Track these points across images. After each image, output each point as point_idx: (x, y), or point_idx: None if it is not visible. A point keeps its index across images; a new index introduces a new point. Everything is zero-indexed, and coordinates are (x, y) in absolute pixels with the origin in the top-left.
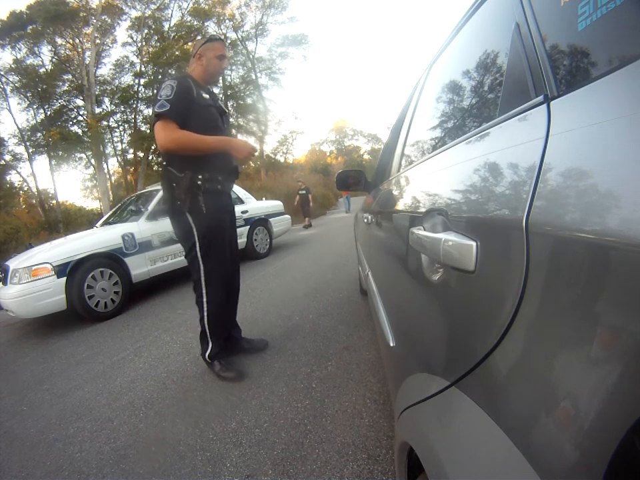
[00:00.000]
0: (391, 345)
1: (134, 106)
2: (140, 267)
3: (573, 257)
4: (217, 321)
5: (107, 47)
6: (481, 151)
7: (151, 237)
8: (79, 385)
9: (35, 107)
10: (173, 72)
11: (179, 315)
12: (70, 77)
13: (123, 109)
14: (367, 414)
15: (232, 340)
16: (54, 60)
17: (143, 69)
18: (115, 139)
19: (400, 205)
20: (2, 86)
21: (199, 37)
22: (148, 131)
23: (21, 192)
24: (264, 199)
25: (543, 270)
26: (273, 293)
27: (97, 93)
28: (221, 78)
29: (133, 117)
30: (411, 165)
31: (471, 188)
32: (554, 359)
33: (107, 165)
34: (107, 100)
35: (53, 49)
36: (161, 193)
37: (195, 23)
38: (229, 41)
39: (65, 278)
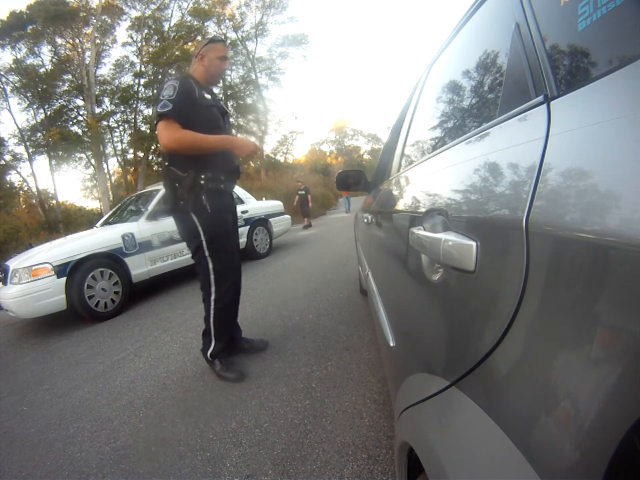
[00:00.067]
0: (391, 344)
1: (134, 106)
2: (140, 267)
3: (572, 257)
4: (222, 320)
5: (107, 47)
6: (481, 150)
7: (150, 237)
8: (78, 385)
9: (35, 107)
10: (173, 72)
11: (179, 315)
12: (70, 76)
13: (123, 109)
14: (366, 414)
15: (232, 340)
16: (54, 60)
17: (143, 69)
18: (115, 139)
19: (400, 205)
20: (2, 86)
21: (198, 37)
22: (148, 131)
23: (21, 192)
24: (264, 198)
25: (543, 270)
26: (273, 293)
27: (97, 93)
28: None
29: (133, 116)
30: (410, 165)
31: (471, 188)
32: (554, 359)
33: (107, 165)
34: (107, 100)
35: (53, 49)
36: (161, 193)
37: (195, 23)
38: (229, 41)
39: (64, 278)
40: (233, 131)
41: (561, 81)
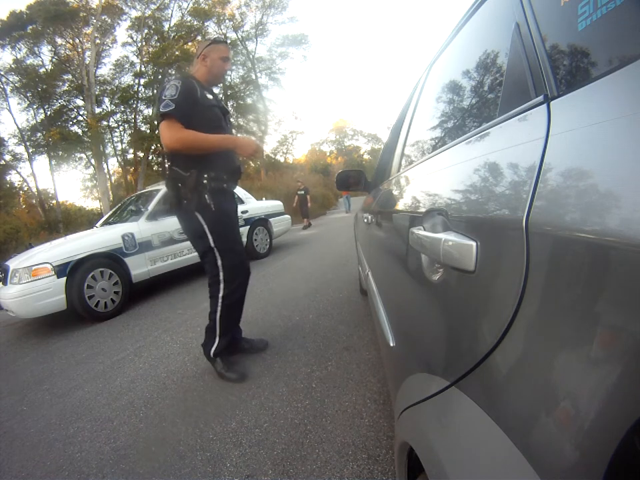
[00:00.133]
0: (391, 344)
1: (134, 106)
2: (140, 267)
3: (572, 257)
4: (229, 318)
5: (107, 47)
6: (481, 150)
7: (150, 237)
8: (78, 385)
9: (35, 107)
10: (173, 72)
11: (179, 315)
12: (70, 76)
13: (123, 109)
14: (367, 414)
15: (232, 340)
16: (54, 60)
17: (143, 69)
18: (115, 139)
19: (400, 205)
20: (2, 86)
21: (198, 37)
22: (148, 131)
23: (21, 192)
24: (264, 198)
25: (543, 270)
26: (273, 293)
27: (97, 93)
28: (223, 79)
29: (133, 116)
30: (411, 165)
31: (471, 188)
32: (554, 359)
33: (107, 165)
34: (107, 100)
35: (53, 49)
36: (161, 193)
37: (195, 23)
38: (229, 41)
39: (64, 278)
40: (233, 131)
41: (561, 81)
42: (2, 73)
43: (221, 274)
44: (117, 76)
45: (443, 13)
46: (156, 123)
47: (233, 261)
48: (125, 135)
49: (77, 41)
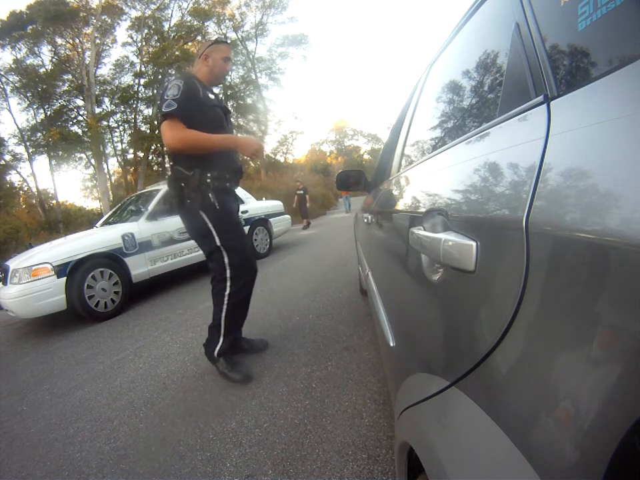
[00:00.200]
0: (391, 345)
1: (134, 106)
2: (140, 267)
3: (572, 257)
4: (234, 317)
5: (107, 47)
6: (481, 150)
7: (150, 237)
8: (78, 385)
9: (35, 107)
10: (173, 72)
11: (179, 315)
12: (70, 76)
13: (123, 109)
14: (367, 414)
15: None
16: (54, 60)
17: (143, 69)
18: (115, 139)
19: (400, 205)
20: (2, 86)
21: (198, 37)
22: (148, 131)
23: (21, 192)
24: (264, 198)
25: (543, 270)
26: (273, 293)
27: (97, 93)
28: (224, 79)
29: (133, 116)
30: (411, 165)
31: (471, 188)
32: (554, 359)
33: (107, 165)
34: (107, 100)
35: (53, 49)
36: (161, 193)
37: (195, 23)
38: (229, 41)
39: (64, 278)
40: (233, 131)
41: (561, 81)
42: (2, 73)
43: (228, 272)
44: (117, 76)
45: (443, 13)
46: (156, 123)
47: (240, 259)
48: (125, 134)
49: (77, 40)
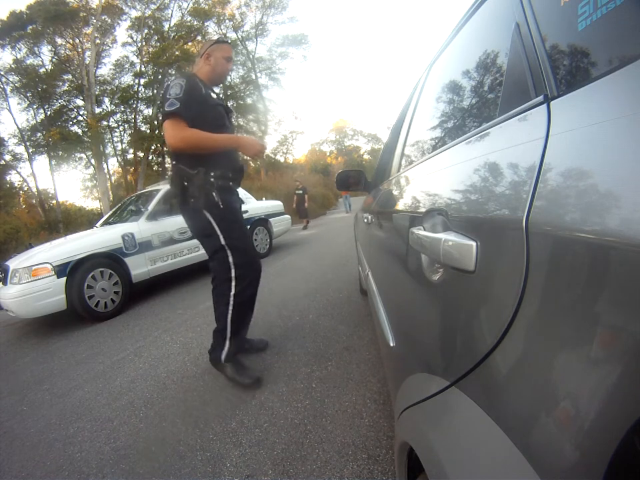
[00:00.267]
0: (391, 344)
1: (134, 106)
2: (140, 267)
3: (572, 257)
4: (240, 319)
5: (107, 47)
6: (481, 150)
7: (150, 237)
8: (78, 385)
9: (35, 107)
10: (173, 72)
11: (179, 315)
12: (70, 76)
13: (123, 109)
14: (367, 414)
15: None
16: (54, 60)
17: (143, 69)
18: (115, 139)
19: (400, 205)
20: (2, 86)
21: (198, 37)
22: (148, 131)
23: (21, 192)
24: (264, 198)
25: (543, 270)
26: (273, 293)
27: (97, 93)
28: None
29: (133, 116)
30: (411, 165)
31: (471, 188)
32: (554, 359)
33: (107, 165)
34: (107, 100)
35: (53, 49)
36: (161, 193)
37: (195, 23)
38: (229, 41)
39: (64, 278)
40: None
41: (561, 81)
42: (2, 73)
43: (233, 271)
44: (117, 76)
45: (443, 13)
46: (156, 123)
47: (245, 258)
48: (125, 134)
49: (77, 40)
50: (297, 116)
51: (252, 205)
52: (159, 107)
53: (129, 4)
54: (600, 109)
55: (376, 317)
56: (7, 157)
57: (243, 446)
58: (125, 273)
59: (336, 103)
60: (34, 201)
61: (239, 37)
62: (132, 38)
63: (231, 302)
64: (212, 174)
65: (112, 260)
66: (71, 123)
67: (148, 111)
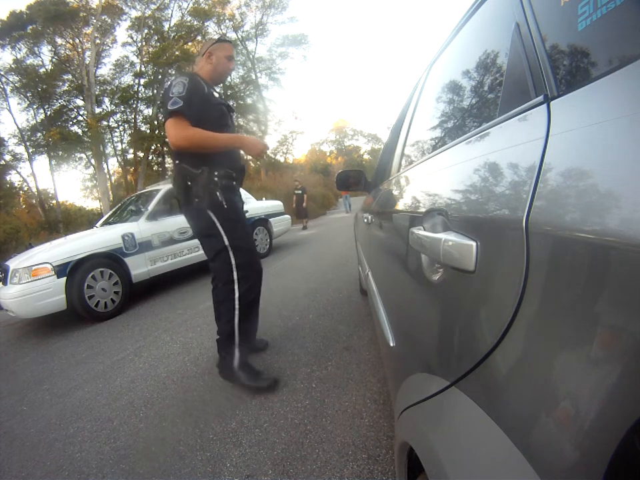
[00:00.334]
0: (391, 345)
1: (134, 106)
2: (140, 267)
3: (573, 257)
4: (247, 321)
5: (107, 47)
6: (481, 150)
7: (150, 237)
8: (78, 385)
9: (35, 107)
10: (173, 72)
11: (179, 315)
12: (70, 76)
13: (123, 109)
14: (367, 414)
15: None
16: (54, 60)
17: (143, 69)
18: (115, 139)
19: (400, 205)
20: (2, 86)
21: (198, 37)
22: (148, 131)
23: (21, 192)
24: (264, 198)
25: (543, 270)
26: (273, 293)
27: (97, 93)
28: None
29: (133, 116)
30: (411, 165)
31: (471, 188)
32: (554, 359)
33: (107, 164)
34: (107, 100)
35: (53, 49)
36: (161, 193)
37: (195, 23)
38: (230, 40)
39: (65, 278)
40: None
41: (561, 81)
42: (2, 73)
43: (235, 273)
44: (117, 76)
45: (443, 13)
46: (156, 123)
47: (247, 258)
48: (125, 134)
49: (77, 40)
50: (297, 116)
51: (252, 204)
52: (159, 106)
53: (129, 4)
54: (600, 109)
55: (376, 317)
56: (7, 157)
57: (242, 446)
58: (124, 273)
59: (336, 103)
60: (34, 201)
61: (239, 36)
62: (132, 38)
63: (236, 306)
64: (215, 173)
65: (112, 260)
66: (71, 123)
67: (148, 111)
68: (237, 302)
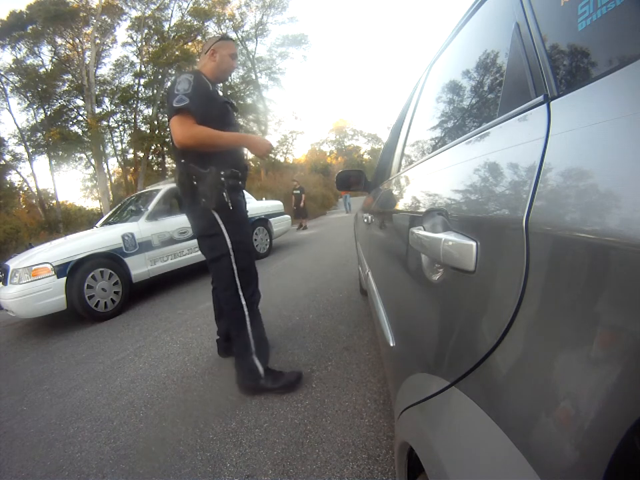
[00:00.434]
0: (391, 344)
1: (134, 106)
2: (140, 267)
3: (572, 257)
4: (259, 326)
5: (107, 47)
6: (481, 150)
7: (150, 237)
8: (78, 385)
9: (35, 107)
10: (173, 72)
11: (179, 315)
12: (70, 76)
13: (123, 109)
14: (366, 414)
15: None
16: (54, 60)
17: (143, 69)
18: (115, 139)
19: (400, 205)
20: (2, 86)
21: (198, 37)
22: (148, 131)
23: (21, 192)
24: (264, 198)
25: (543, 270)
26: (273, 293)
27: (97, 93)
28: (229, 76)
29: (133, 117)
30: (411, 165)
31: (471, 188)
32: (554, 359)
33: (107, 164)
34: (107, 100)
35: (53, 49)
36: (161, 193)
37: (195, 23)
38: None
39: (65, 278)
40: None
41: (561, 81)
42: (2, 73)
43: (237, 279)
44: (117, 76)
45: (443, 13)
46: (156, 123)
47: (248, 261)
48: (125, 134)
49: (77, 40)
50: (297, 116)
51: (252, 204)
52: (159, 106)
53: (129, 4)
54: (600, 109)
55: (376, 317)
56: (7, 157)
57: (242, 446)
58: (125, 272)
59: (336, 103)
60: (34, 201)
61: (239, 36)
62: (132, 38)
63: (247, 312)
64: (222, 173)
65: (112, 260)
66: (71, 123)
67: (148, 111)
68: (245, 309)
